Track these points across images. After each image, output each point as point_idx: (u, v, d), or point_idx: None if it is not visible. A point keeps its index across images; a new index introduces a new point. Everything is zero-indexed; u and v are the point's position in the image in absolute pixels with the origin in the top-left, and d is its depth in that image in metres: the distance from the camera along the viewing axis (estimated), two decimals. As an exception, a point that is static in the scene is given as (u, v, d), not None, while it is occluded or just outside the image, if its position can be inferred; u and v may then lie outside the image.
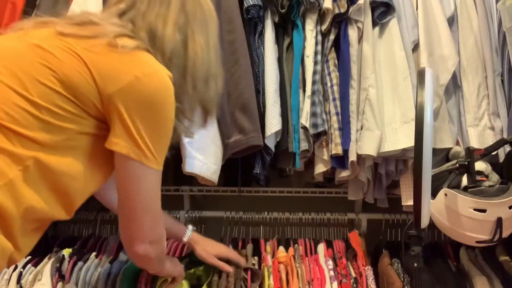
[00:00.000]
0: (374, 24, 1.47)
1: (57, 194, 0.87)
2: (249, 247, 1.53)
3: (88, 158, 0.90)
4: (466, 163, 1.19)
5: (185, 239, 1.28)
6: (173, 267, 1.21)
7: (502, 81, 1.48)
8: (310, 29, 1.45)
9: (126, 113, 0.86)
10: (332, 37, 1.45)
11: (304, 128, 1.37)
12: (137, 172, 0.90)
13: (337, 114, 1.39)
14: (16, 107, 0.81)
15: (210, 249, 1.31)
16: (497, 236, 1.14)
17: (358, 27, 1.44)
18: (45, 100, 0.83)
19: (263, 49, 1.44)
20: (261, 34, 1.45)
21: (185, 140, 1.28)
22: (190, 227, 1.30)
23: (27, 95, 0.82)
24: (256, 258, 1.48)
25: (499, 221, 1.13)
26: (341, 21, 1.45)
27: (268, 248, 1.51)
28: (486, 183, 1.19)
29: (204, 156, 1.31)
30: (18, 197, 0.81)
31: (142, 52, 0.90)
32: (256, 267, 1.43)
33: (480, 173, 1.21)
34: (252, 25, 1.45)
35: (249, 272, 1.38)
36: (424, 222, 1.04)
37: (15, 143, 0.81)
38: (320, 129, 1.36)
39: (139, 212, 0.94)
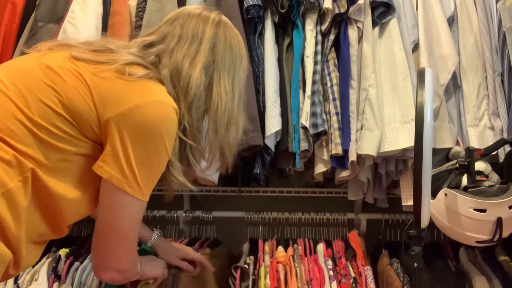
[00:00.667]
0: (374, 24, 1.47)
1: (46, 212, 0.87)
2: (245, 246, 1.53)
3: (83, 179, 0.89)
4: (466, 163, 1.19)
5: (149, 244, 1.26)
6: (152, 270, 1.17)
7: (502, 81, 1.48)
8: (310, 29, 1.45)
9: (119, 138, 0.85)
10: (332, 37, 1.45)
11: (304, 128, 1.37)
12: (118, 200, 0.88)
13: (337, 114, 1.39)
14: (17, 122, 0.82)
15: (172, 252, 1.28)
16: (497, 236, 1.14)
17: (358, 27, 1.44)
18: (45, 120, 0.84)
19: (263, 49, 1.44)
20: (261, 34, 1.45)
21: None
22: (156, 232, 1.27)
23: (29, 113, 0.83)
24: (252, 257, 1.48)
25: (499, 221, 1.13)
26: (341, 21, 1.45)
27: (266, 248, 1.51)
28: (486, 183, 1.19)
29: (204, 156, 1.31)
30: (15, 206, 0.81)
31: (150, 81, 0.91)
32: (252, 266, 1.42)
33: (480, 173, 1.21)
34: (252, 25, 1.45)
35: (238, 271, 1.38)
36: (424, 222, 1.04)
37: (14, 155, 0.81)
38: (320, 129, 1.36)
39: (114, 241, 0.92)
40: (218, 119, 0.98)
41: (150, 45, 0.98)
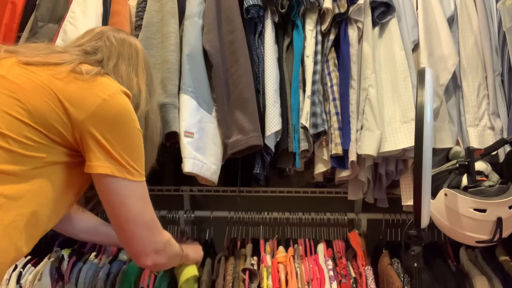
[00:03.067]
0: (374, 24, 1.47)
1: (26, 224, 0.86)
2: (249, 247, 1.53)
3: (59, 186, 0.90)
4: (466, 163, 1.19)
5: None
6: (195, 253, 1.26)
7: (502, 81, 1.48)
8: (310, 29, 1.45)
9: (101, 135, 0.88)
10: (332, 37, 1.45)
11: (304, 128, 1.37)
12: (123, 190, 0.92)
13: (337, 114, 1.39)
14: None
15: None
16: (497, 236, 1.14)
17: (358, 27, 1.44)
18: (13, 132, 0.84)
19: (263, 49, 1.44)
20: (261, 34, 1.45)
21: (185, 140, 1.28)
22: None
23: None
24: (255, 258, 1.48)
25: (499, 221, 1.13)
26: (341, 21, 1.45)
27: (268, 248, 1.51)
28: (486, 183, 1.19)
29: (203, 156, 1.31)
30: None
31: (102, 77, 0.94)
32: (256, 267, 1.43)
33: (480, 173, 1.21)
34: (252, 25, 1.45)
35: (247, 273, 1.39)
36: (424, 222, 1.04)
37: None
38: (320, 129, 1.36)
39: (134, 227, 0.95)
40: (154, 139, 1.08)
41: (87, 53, 1.00)
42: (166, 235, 1.06)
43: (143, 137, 0.98)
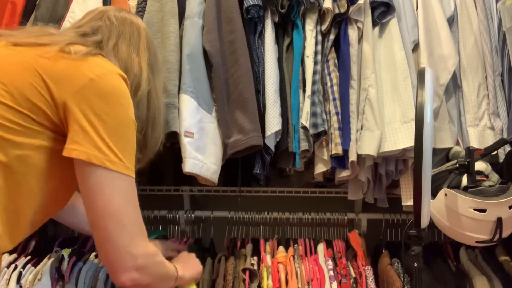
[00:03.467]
0: (374, 24, 1.47)
1: (9, 214, 0.82)
2: (249, 247, 1.53)
3: (46, 176, 0.84)
4: (466, 163, 1.19)
5: None
6: (193, 270, 1.09)
7: (502, 81, 1.48)
8: (310, 29, 1.45)
9: (83, 116, 0.81)
10: (332, 37, 1.45)
11: (304, 128, 1.37)
12: (102, 180, 0.80)
13: (337, 114, 1.39)
14: None
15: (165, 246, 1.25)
16: (497, 236, 1.14)
17: (358, 27, 1.44)
18: None
19: (263, 49, 1.44)
20: (261, 34, 1.45)
21: (185, 140, 1.28)
22: None
23: None
24: (255, 258, 1.48)
25: (499, 221, 1.13)
26: (341, 21, 1.45)
27: (268, 248, 1.52)
28: (486, 183, 1.19)
29: (204, 156, 1.31)
30: None
31: (95, 57, 0.89)
32: (256, 267, 1.43)
33: (480, 173, 1.21)
34: (252, 25, 1.45)
35: (247, 273, 1.39)
36: (424, 222, 1.04)
37: None
38: (320, 129, 1.36)
39: (109, 226, 0.81)
40: (156, 118, 1.00)
41: (85, 34, 0.95)
42: (152, 249, 0.89)
43: (145, 117, 0.93)
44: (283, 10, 1.43)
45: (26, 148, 0.81)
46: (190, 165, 1.28)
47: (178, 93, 1.33)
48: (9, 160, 0.80)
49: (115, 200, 0.81)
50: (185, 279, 1.06)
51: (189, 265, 1.11)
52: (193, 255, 1.18)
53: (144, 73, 0.97)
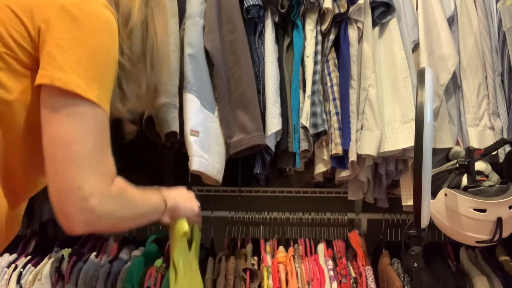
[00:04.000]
0: (374, 24, 1.47)
1: (4, 176, 0.75)
2: (249, 246, 1.53)
3: (31, 125, 0.75)
4: (466, 163, 1.19)
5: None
6: (186, 204, 0.99)
7: (502, 81, 1.48)
8: (310, 29, 1.45)
9: (51, 40, 0.73)
10: (332, 37, 1.45)
11: (304, 128, 1.37)
12: (65, 103, 0.70)
13: (337, 114, 1.39)
14: None
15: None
16: (497, 236, 1.14)
17: (358, 27, 1.44)
18: None
19: (263, 49, 1.44)
20: (261, 34, 1.45)
21: (191, 139, 1.27)
22: None
23: None
24: (256, 258, 1.48)
25: (499, 221, 1.13)
26: (341, 21, 1.45)
27: (268, 248, 1.52)
28: (486, 183, 1.19)
29: (209, 155, 1.31)
30: None
31: None
32: (256, 267, 1.43)
33: (480, 173, 1.21)
34: (252, 25, 1.45)
35: (248, 272, 1.39)
36: (424, 222, 1.04)
37: None
38: (320, 129, 1.36)
39: (61, 159, 0.70)
40: (154, 55, 0.90)
41: None
42: (116, 188, 0.76)
43: (141, 51, 0.85)
44: (283, 10, 1.43)
45: (12, 91, 0.74)
46: (197, 164, 1.27)
47: (179, 93, 1.33)
48: None
49: (72, 126, 0.71)
50: (179, 211, 0.96)
51: (183, 197, 1.01)
52: (192, 193, 1.05)
53: (136, 3, 0.87)
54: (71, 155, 0.69)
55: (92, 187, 0.71)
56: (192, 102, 1.31)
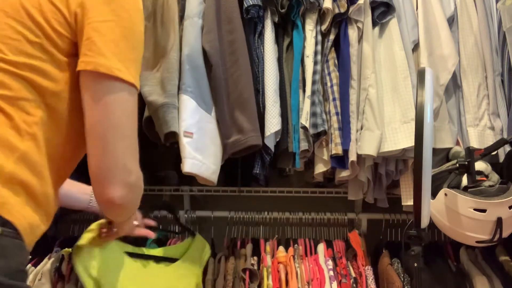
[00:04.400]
0: (374, 24, 1.47)
1: (55, 162, 0.79)
2: (249, 246, 1.53)
3: (74, 115, 0.79)
4: (466, 163, 1.19)
5: (91, 203, 1.14)
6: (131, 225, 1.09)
7: (502, 81, 1.48)
8: (310, 29, 1.45)
9: (88, 23, 0.75)
10: (332, 37, 1.45)
11: (304, 128, 1.37)
12: (110, 88, 0.75)
13: (337, 114, 1.39)
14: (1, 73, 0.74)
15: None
16: (497, 236, 1.14)
17: (358, 27, 1.44)
18: (20, 55, 0.75)
19: (263, 49, 1.44)
20: (261, 34, 1.45)
21: (185, 140, 1.28)
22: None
23: (3, 56, 0.75)
24: (255, 258, 1.48)
25: (499, 221, 1.13)
26: (341, 21, 1.45)
27: (268, 248, 1.52)
28: (486, 183, 1.19)
29: (203, 156, 1.31)
30: (34, 165, 0.75)
31: None
32: (256, 267, 1.43)
33: (480, 173, 1.21)
34: (252, 25, 1.45)
35: (247, 272, 1.39)
36: (424, 222, 1.04)
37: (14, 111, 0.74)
38: (320, 129, 1.36)
39: (111, 138, 0.76)
40: (165, 11, 0.99)
41: None
42: (140, 174, 0.84)
43: (153, 5, 0.88)
44: (283, 10, 1.43)
45: (58, 82, 0.77)
46: (189, 165, 1.28)
47: (178, 93, 1.33)
48: (46, 104, 0.77)
49: (119, 109, 0.76)
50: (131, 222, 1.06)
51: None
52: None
53: None
54: (120, 136, 0.76)
55: (132, 165, 0.79)
56: (187, 103, 1.31)
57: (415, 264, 1.05)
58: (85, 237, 1.14)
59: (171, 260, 1.38)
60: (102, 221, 1.13)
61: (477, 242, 1.18)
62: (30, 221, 0.76)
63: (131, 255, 1.30)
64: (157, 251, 1.38)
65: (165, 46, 0.95)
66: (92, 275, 1.15)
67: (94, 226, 1.15)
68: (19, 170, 0.73)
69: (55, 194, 0.82)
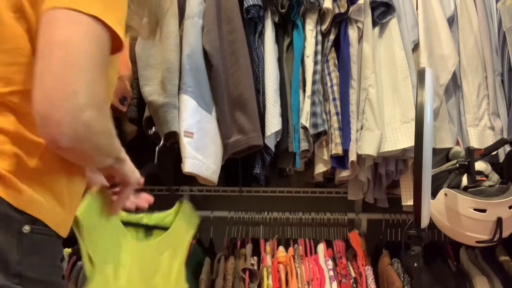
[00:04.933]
0: (374, 24, 1.47)
1: None
2: (249, 246, 1.53)
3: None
4: (466, 163, 1.19)
5: None
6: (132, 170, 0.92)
7: (502, 81, 1.48)
8: (310, 29, 1.45)
9: None
10: (332, 37, 1.45)
11: (304, 128, 1.37)
12: (67, 17, 0.62)
13: (337, 114, 1.39)
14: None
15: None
16: (497, 236, 1.14)
17: (358, 27, 1.44)
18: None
19: (263, 49, 1.44)
20: (261, 34, 1.45)
21: (185, 140, 1.28)
22: None
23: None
24: (255, 258, 1.48)
25: (499, 221, 1.13)
26: (341, 21, 1.45)
27: (268, 248, 1.52)
28: (486, 183, 1.19)
29: (203, 156, 1.31)
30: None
31: None
32: (256, 267, 1.43)
33: (480, 173, 1.21)
34: (252, 25, 1.45)
35: (247, 272, 1.39)
36: (424, 222, 1.04)
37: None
38: (320, 129, 1.36)
39: (59, 59, 0.61)
40: None
41: None
42: (108, 113, 0.70)
43: None
44: (283, 10, 1.43)
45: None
46: (190, 165, 1.28)
47: (178, 93, 1.33)
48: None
49: (73, 30, 0.63)
50: (125, 168, 0.89)
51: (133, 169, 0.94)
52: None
53: None
54: (71, 56, 0.62)
55: (89, 98, 0.62)
56: (187, 103, 1.31)
57: (415, 264, 1.05)
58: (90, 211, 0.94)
59: (162, 228, 1.27)
60: (98, 188, 0.92)
61: (477, 242, 1.18)
62: (59, 213, 0.73)
63: (125, 224, 1.17)
64: (148, 218, 1.26)
65: (158, 16, 0.88)
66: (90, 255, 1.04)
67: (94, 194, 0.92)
68: (42, 166, 0.67)
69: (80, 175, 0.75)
